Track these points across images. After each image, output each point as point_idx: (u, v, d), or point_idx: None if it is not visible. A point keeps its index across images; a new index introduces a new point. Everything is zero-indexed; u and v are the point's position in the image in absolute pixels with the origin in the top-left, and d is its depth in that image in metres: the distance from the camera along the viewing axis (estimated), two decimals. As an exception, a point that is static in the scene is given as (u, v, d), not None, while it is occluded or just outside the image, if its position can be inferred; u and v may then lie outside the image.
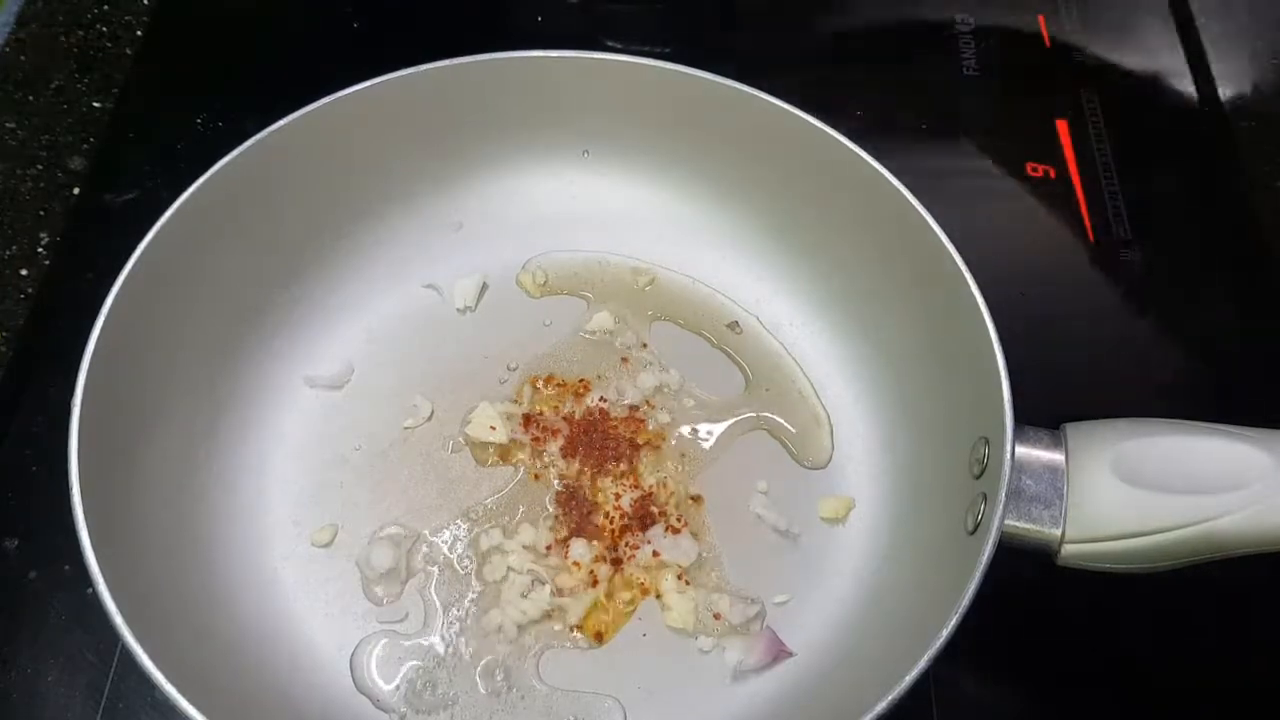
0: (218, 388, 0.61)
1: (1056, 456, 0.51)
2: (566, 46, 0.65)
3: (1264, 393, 0.69)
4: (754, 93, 0.63)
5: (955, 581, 0.48)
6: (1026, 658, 0.59)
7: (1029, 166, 0.78)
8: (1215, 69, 0.84)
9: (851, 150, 0.61)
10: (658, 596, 0.58)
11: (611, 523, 0.60)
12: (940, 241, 0.57)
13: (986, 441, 0.53)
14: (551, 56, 0.65)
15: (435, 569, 0.59)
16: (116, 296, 0.54)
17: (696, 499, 0.61)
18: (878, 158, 0.60)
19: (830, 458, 0.63)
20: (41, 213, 0.72)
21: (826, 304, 0.67)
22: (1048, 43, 0.86)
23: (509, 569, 0.58)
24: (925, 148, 0.80)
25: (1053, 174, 0.78)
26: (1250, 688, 0.59)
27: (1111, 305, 0.73)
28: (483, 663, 0.56)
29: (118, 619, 0.46)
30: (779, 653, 0.56)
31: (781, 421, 0.64)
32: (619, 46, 0.78)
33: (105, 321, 0.53)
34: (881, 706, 0.45)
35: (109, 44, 0.82)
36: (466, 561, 0.59)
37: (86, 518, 0.48)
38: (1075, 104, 0.82)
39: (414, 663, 0.56)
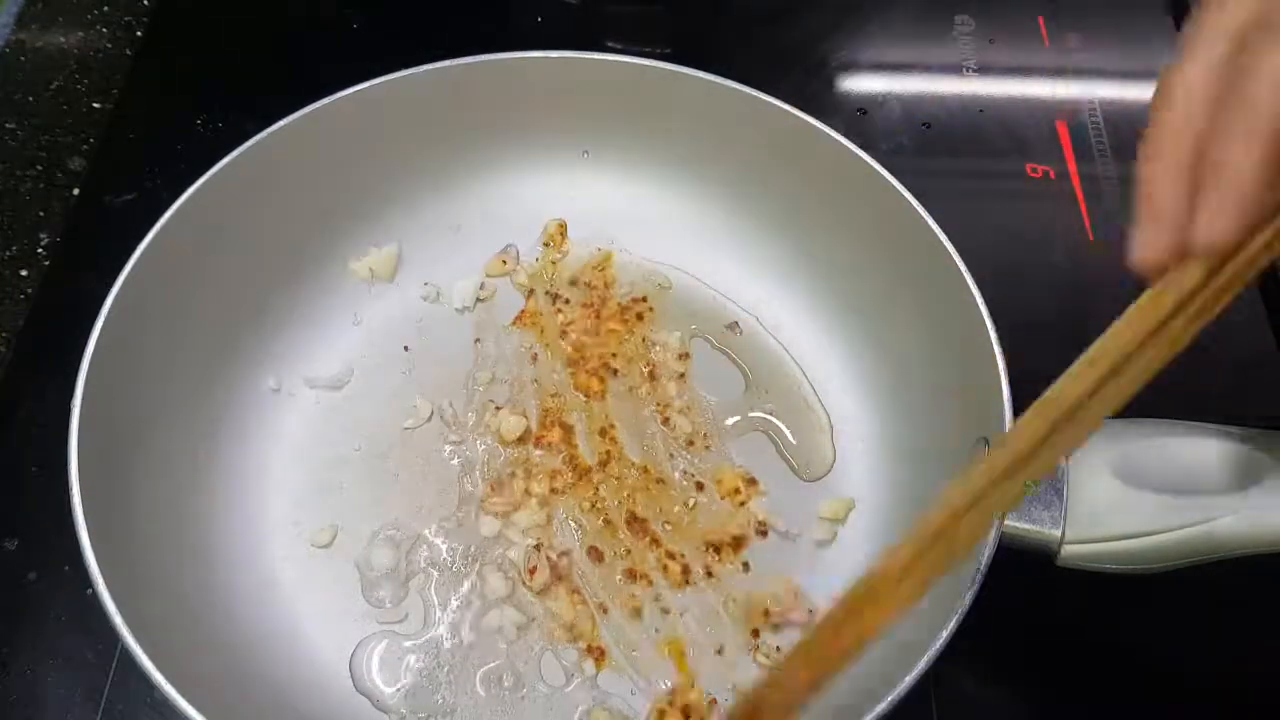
0: (217, 388, 0.61)
1: (1056, 457, 0.51)
2: (566, 46, 0.65)
3: (1264, 393, 0.69)
4: (754, 93, 0.63)
5: (955, 582, 0.48)
6: (1026, 658, 0.59)
7: (1029, 167, 0.78)
8: (1215, 69, 0.84)
9: (852, 151, 0.61)
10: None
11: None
12: (940, 242, 0.57)
13: (986, 442, 0.53)
14: (551, 57, 0.65)
15: (435, 570, 0.59)
16: (116, 296, 0.54)
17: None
18: (879, 158, 0.60)
19: (832, 466, 0.63)
20: (41, 213, 0.72)
21: (827, 304, 0.67)
22: (1047, 43, 0.86)
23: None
24: (926, 149, 0.80)
25: (1053, 174, 0.78)
26: (1250, 688, 0.59)
27: (1111, 305, 0.73)
28: (484, 663, 0.56)
29: (117, 619, 0.46)
30: None
31: (781, 425, 0.64)
32: (619, 46, 0.78)
33: (105, 321, 0.53)
34: (881, 707, 0.45)
35: (109, 44, 0.82)
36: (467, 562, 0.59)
37: (86, 518, 0.48)
38: (1075, 103, 0.82)
39: (414, 664, 0.56)
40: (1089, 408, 0.36)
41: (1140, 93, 0.84)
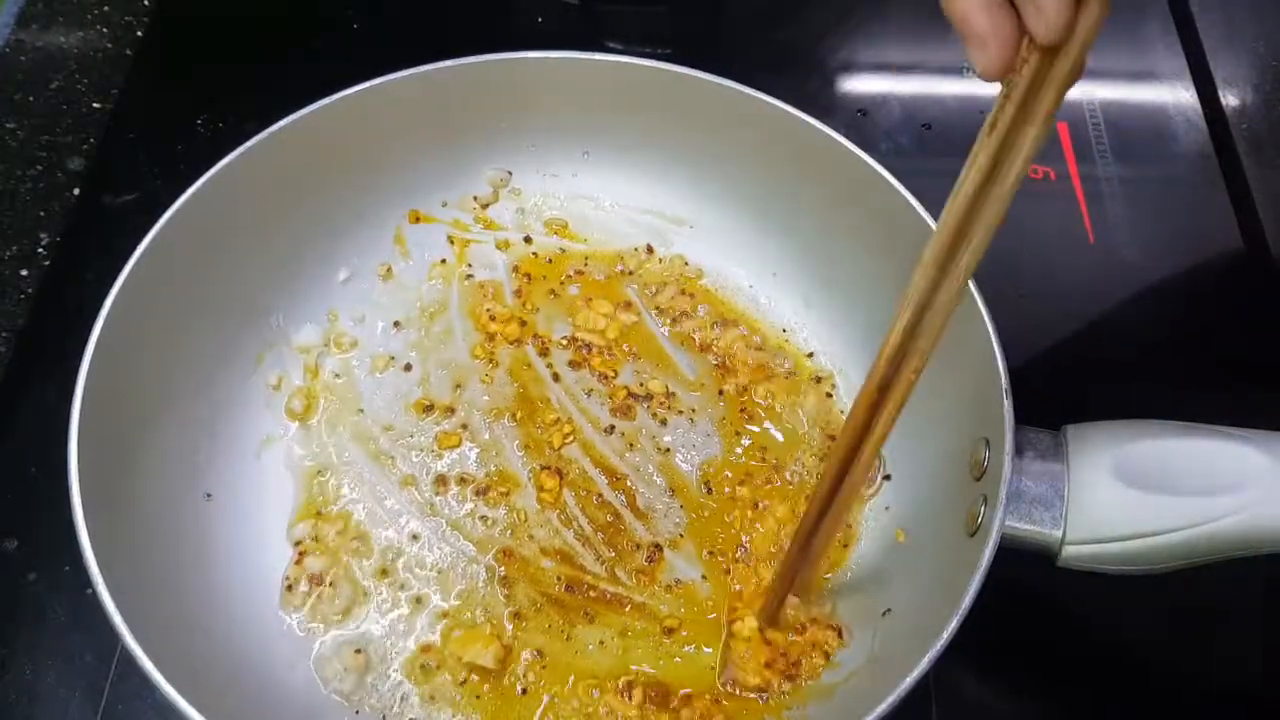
0: (217, 388, 0.61)
1: (1057, 458, 0.51)
2: (566, 46, 0.65)
3: (1264, 393, 0.69)
4: (754, 93, 0.63)
5: (956, 583, 0.48)
6: (1026, 658, 0.59)
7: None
8: (1215, 69, 0.84)
9: (852, 151, 0.61)
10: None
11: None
12: (940, 242, 0.57)
13: (987, 443, 0.53)
14: (552, 57, 0.65)
15: (435, 572, 0.59)
16: (116, 296, 0.54)
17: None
18: (879, 158, 0.60)
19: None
20: (41, 213, 0.72)
21: (827, 305, 0.67)
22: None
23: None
24: (926, 149, 0.80)
25: (1053, 175, 0.78)
26: (1251, 688, 0.59)
27: (1111, 305, 0.73)
28: (487, 663, 0.56)
29: (117, 619, 0.46)
30: None
31: (778, 433, 0.64)
32: (619, 47, 0.78)
33: (105, 321, 0.53)
34: (882, 707, 0.45)
35: (109, 44, 0.82)
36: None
37: (86, 518, 0.48)
38: (1075, 104, 0.82)
39: (414, 664, 0.56)
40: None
41: (1140, 93, 0.84)
